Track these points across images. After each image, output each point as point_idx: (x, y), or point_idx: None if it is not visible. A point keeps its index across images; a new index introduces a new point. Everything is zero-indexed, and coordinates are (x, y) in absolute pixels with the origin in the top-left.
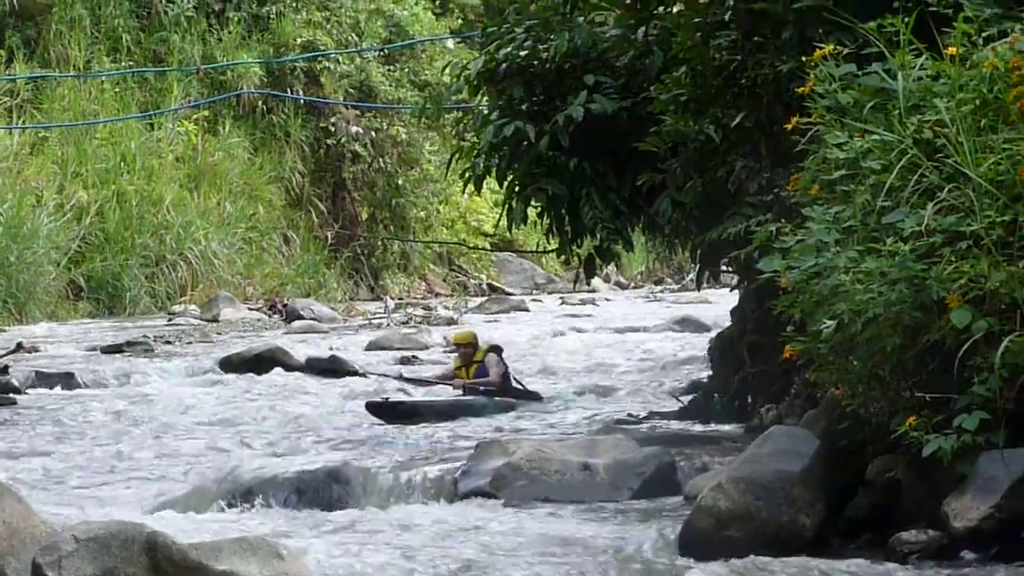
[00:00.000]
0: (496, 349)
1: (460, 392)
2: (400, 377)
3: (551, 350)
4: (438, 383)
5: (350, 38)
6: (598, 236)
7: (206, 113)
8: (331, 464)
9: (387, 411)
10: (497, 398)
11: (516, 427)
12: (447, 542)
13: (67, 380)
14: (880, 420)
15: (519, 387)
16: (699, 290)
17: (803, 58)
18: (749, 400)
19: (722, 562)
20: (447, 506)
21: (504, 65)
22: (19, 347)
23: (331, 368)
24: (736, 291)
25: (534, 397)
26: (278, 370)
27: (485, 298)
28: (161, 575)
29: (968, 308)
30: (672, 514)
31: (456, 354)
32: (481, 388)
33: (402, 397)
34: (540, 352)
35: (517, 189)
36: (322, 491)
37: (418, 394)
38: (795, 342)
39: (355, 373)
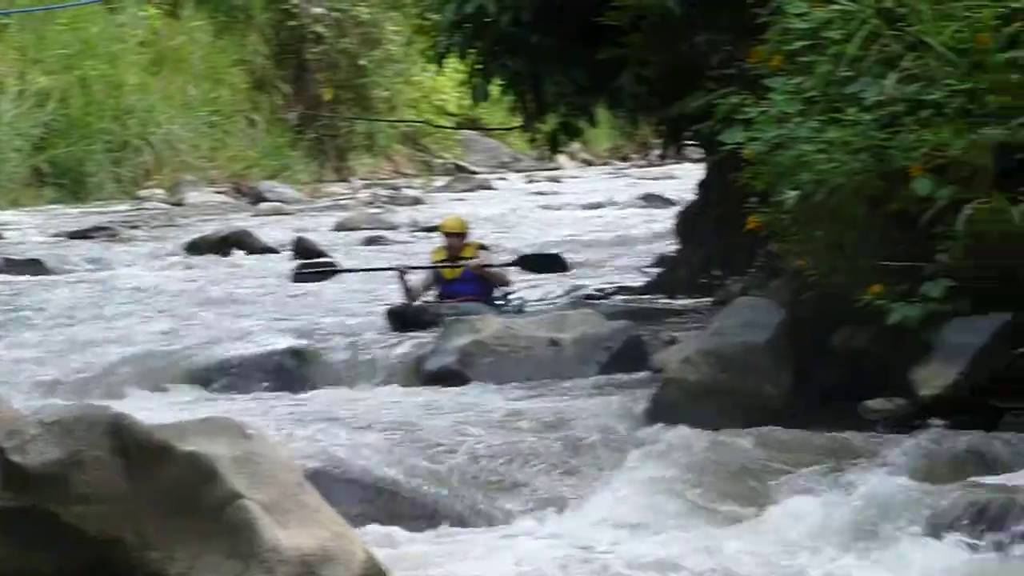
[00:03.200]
0: (483, 247)
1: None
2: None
3: (518, 227)
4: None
5: None
6: (562, 112)
7: None
8: (296, 345)
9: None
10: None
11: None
12: (414, 420)
13: (33, 266)
14: (845, 290)
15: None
16: (663, 165)
17: None
18: (715, 273)
19: (690, 433)
20: (414, 385)
21: None
22: None
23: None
24: (701, 165)
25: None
26: (244, 252)
27: (451, 177)
28: (126, 457)
29: (931, 176)
30: (640, 387)
31: (442, 244)
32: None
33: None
34: (507, 230)
35: (479, 67)
36: (287, 372)
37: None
38: (759, 213)
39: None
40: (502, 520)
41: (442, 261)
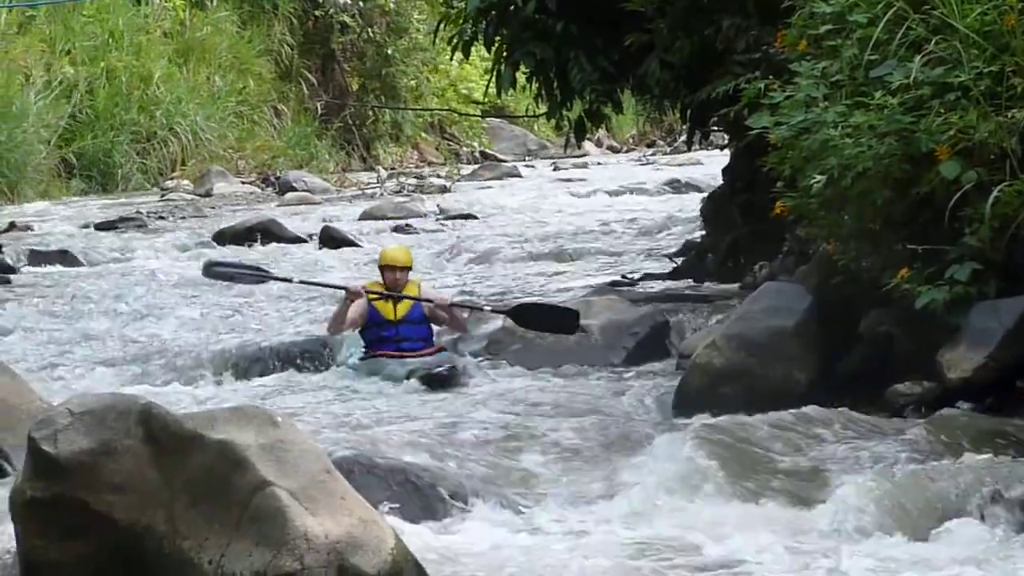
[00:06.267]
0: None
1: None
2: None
3: (544, 214)
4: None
5: None
6: (587, 99)
7: None
8: (323, 334)
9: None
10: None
11: (506, 290)
12: (441, 408)
13: (61, 257)
14: (872, 274)
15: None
16: (690, 151)
17: None
18: (742, 259)
19: (717, 419)
20: None
21: None
22: (12, 226)
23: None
24: (727, 150)
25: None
26: (271, 242)
27: (478, 165)
28: (157, 446)
29: (958, 159)
30: (667, 373)
31: (382, 279)
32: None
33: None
34: (536, 216)
35: (505, 54)
36: (315, 360)
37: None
38: (785, 198)
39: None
40: (530, 509)
41: (380, 296)
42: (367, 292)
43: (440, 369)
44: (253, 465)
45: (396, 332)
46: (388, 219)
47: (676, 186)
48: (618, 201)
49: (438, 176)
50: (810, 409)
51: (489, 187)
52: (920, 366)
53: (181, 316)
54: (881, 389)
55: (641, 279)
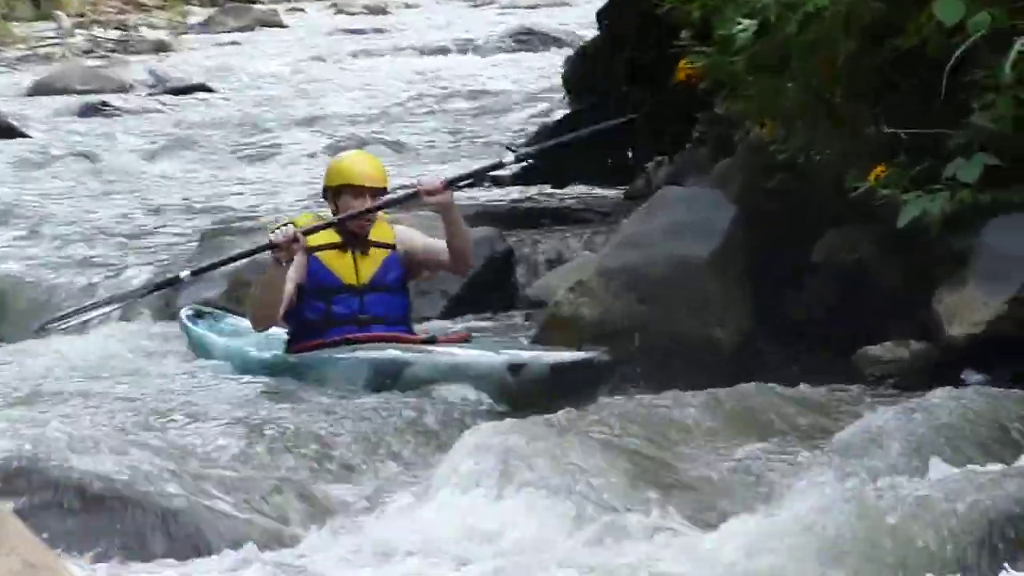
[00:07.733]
0: None
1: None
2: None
3: (324, 87)
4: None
5: None
6: None
7: None
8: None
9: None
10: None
11: (257, 204)
12: (169, 382)
13: None
14: (830, 172)
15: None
16: None
17: None
18: (629, 151)
19: (587, 400)
20: (166, 325)
21: None
22: None
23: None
24: None
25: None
26: None
27: (215, 9)
28: None
29: None
30: (509, 330)
31: (341, 209)
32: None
33: None
34: (308, 90)
35: None
36: None
37: None
38: (694, 56)
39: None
40: (288, 536)
41: (331, 246)
42: (304, 234)
43: (594, 355)
44: None
45: (360, 306)
46: (73, 93)
47: (526, 40)
48: (436, 64)
49: (152, 26)
50: (734, 384)
51: (234, 43)
52: (905, 316)
53: None
54: (847, 351)
55: (469, 183)
